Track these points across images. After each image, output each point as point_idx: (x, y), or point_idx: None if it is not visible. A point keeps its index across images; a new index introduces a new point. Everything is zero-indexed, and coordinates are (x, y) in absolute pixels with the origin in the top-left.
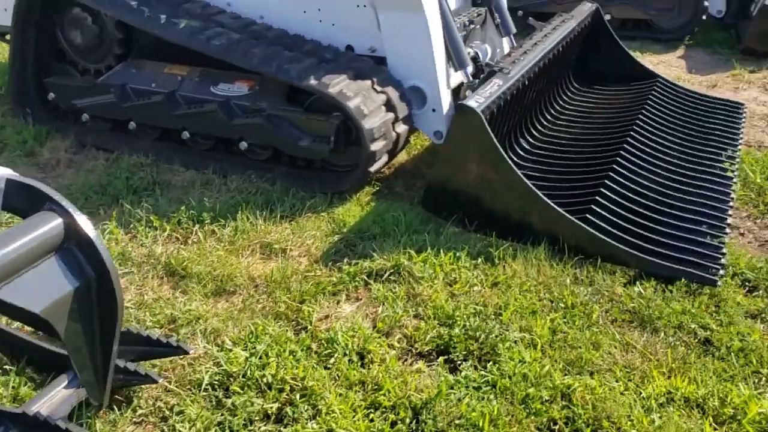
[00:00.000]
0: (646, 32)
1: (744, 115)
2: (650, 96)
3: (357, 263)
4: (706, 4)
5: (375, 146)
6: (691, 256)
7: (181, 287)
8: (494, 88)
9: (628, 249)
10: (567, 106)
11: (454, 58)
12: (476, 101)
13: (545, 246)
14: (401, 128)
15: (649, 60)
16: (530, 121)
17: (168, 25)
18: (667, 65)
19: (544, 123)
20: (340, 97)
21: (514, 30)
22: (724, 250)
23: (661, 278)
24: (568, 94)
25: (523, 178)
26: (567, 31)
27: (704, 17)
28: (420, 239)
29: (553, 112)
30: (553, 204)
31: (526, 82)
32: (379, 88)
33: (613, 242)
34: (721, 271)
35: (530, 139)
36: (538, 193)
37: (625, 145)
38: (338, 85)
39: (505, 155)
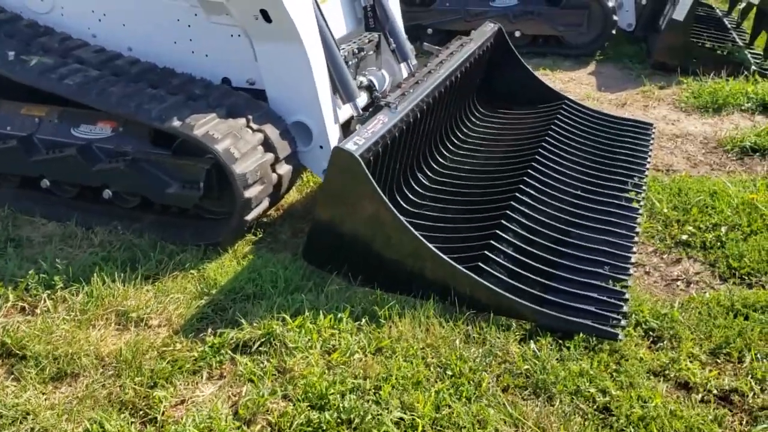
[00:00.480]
0: (557, 48)
1: (653, 136)
2: (555, 121)
3: (224, 333)
4: (615, 18)
5: (250, 192)
6: (590, 305)
7: (16, 372)
8: (378, 126)
9: (523, 301)
10: (470, 133)
11: (341, 90)
12: (355, 143)
13: (435, 301)
14: (284, 169)
15: (560, 78)
16: (429, 154)
17: (15, 63)
18: (578, 83)
19: (445, 154)
20: (206, 140)
21: (411, 55)
22: (626, 296)
23: (558, 333)
24: (472, 120)
25: (408, 227)
26: (465, 56)
27: (614, 32)
28: (298, 299)
29: (455, 141)
30: (440, 253)
31: (419, 115)
32: (255, 126)
33: (506, 294)
34: (623, 322)
35: (430, 173)
36: (425, 242)
37: (525, 178)
38: (204, 126)
39: (388, 202)
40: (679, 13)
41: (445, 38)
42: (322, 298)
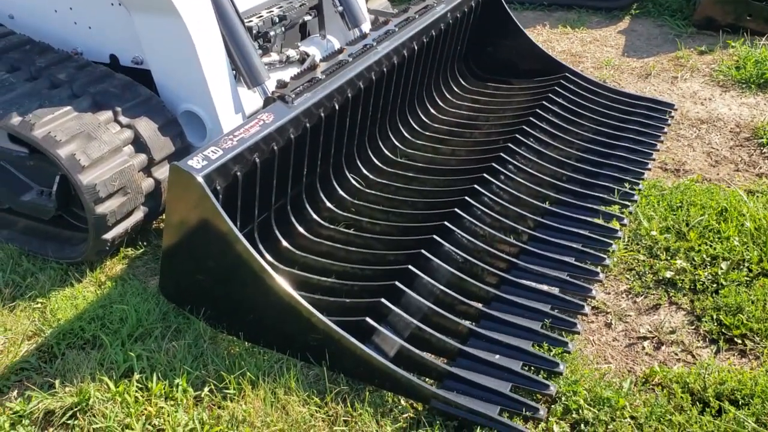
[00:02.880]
0: (587, 0)
1: (668, 122)
2: (543, 102)
3: (34, 397)
4: None
5: (104, 207)
6: (507, 381)
7: None
8: (253, 130)
9: (413, 378)
10: (434, 122)
11: (244, 73)
12: (204, 158)
13: (304, 366)
14: (163, 173)
15: (581, 37)
16: (358, 157)
17: None
18: (601, 44)
19: (386, 154)
20: (46, 143)
21: (365, 19)
22: (560, 368)
23: (454, 422)
24: (441, 103)
25: (271, 276)
26: (427, 23)
27: None
28: (137, 350)
29: (406, 134)
30: (313, 309)
31: (337, 107)
32: (124, 121)
33: (393, 367)
34: (542, 412)
35: (356, 183)
36: (293, 294)
37: (475, 185)
38: (48, 124)
39: (246, 243)
40: None
41: None
42: (168, 350)
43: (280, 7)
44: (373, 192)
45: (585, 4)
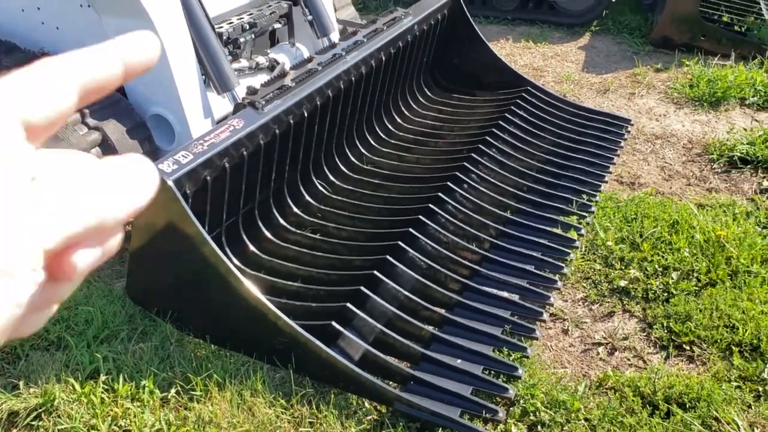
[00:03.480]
0: (549, 15)
1: (625, 137)
2: (505, 114)
3: None
4: None
5: None
6: (468, 384)
7: None
8: (224, 135)
9: (379, 382)
10: (399, 130)
11: (214, 79)
12: (175, 162)
13: (270, 369)
14: None
15: (543, 52)
16: (324, 163)
17: None
18: (562, 59)
19: (352, 161)
20: None
21: (333, 28)
22: (519, 372)
23: (416, 423)
24: (407, 112)
25: (238, 278)
26: (395, 35)
27: None
28: (103, 353)
29: (373, 141)
30: (279, 312)
31: (306, 114)
32: (92, 123)
33: (358, 370)
34: (501, 414)
35: (322, 189)
36: (259, 296)
37: (439, 194)
38: None
39: (214, 246)
40: None
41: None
42: (135, 352)
43: (251, 14)
44: (339, 198)
45: (547, 19)
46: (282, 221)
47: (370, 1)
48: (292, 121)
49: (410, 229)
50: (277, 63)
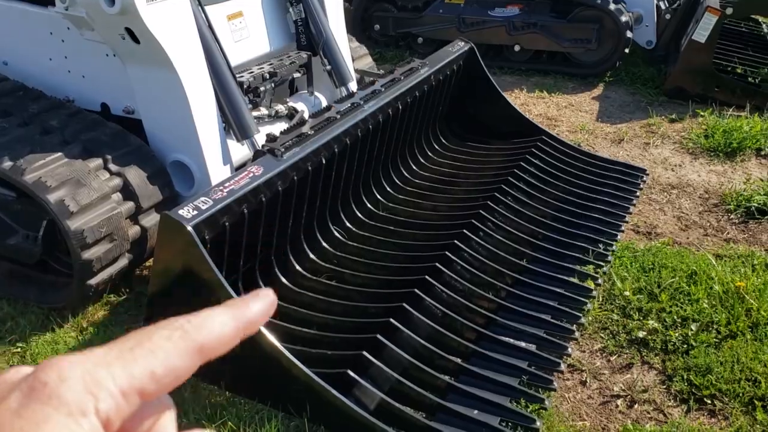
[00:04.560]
0: (562, 66)
1: (641, 186)
2: (521, 163)
3: None
4: (629, 35)
5: (91, 253)
6: None
7: None
8: (243, 181)
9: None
10: (416, 177)
11: (233, 125)
12: (195, 207)
13: (282, 418)
14: (151, 220)
15: (557, 102)
16: (341, 209)
17: None
18: (576, 109)
19: (369, 208)
20: (36, 188)
21: (351, 78)
22: (536, 425)
23: None
24: (423, 160)
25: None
26: (413, 84)
27: (627, 50)
28: None
29: (390, 189)
30: (296, 360)
31: (324, 161)
32: (114, 168)
33: (374, 420)
34: None
35: (341, 236)
36: (276, 344)
37: (455, 241)
38: (39, 169)
39: (233, 295)
40: (700, 33)
41: (436, 50)
42: None
43: (271, 64)
44: (355, 245)
45: (561, 70)
46: (298, 267)
47: (386, 51)
48: (310, 168)
49: (426, 277)
50: (296, 111)
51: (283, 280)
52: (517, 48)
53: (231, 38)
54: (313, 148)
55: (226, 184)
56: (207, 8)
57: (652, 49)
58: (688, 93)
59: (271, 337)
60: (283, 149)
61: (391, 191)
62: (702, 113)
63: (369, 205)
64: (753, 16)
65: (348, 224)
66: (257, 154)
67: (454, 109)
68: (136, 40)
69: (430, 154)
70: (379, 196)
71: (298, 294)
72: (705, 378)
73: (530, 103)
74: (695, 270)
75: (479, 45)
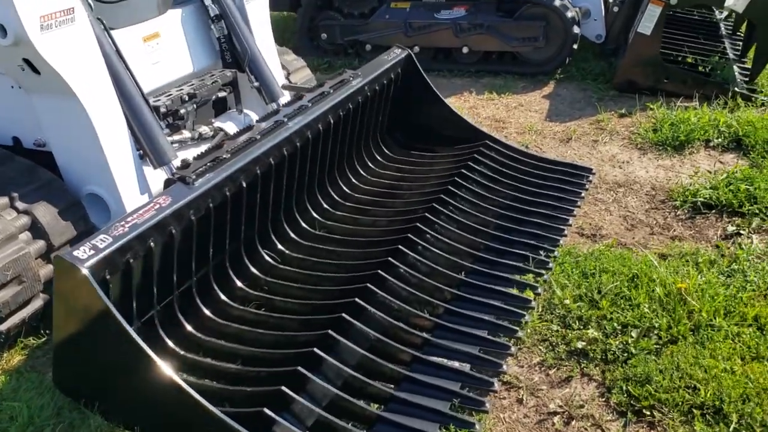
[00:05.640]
0: (513, 66)
1: (586, 187)
2: (462, 170)
3: None
4: (576, 31)
5: None
6: None
7: None
8: (148, 214)
9: None
10: (355, 192)
11: (149, 153)
12: (91, 247)
13: None
14: None
15: (507, 103)
16: (274, 230)
17: None
18: (526, 109)
19: (303, 228)
20: None
21: (282, 94)
22: None
23: None
24: (364, 172)
25: (163, 370)
26: (340, 99)
27: (575, 46)
28: None
29: (326, 206)
30: (204, 402)
31: (245, 184)
32: (21, 206)
33: None
34: None
35: (273, 261)
36: (188, 389)
37: (389, 258)
38: None
39: (136, 338)
40: (645, 25)
41: None
42: None
43: (192, 84)
44: (288, 268)
45: (511, 70)
46: (223, 297)
47: (335, 60)
48: (228, 194)
49: (356, 299)
50: (221, 131)
51: (206, 311)
52: (465, 50)
53: (148, 60)
54: (230, 173)
55: (129, 219)
56: (120, 31)
57: (603, 43)
58: (639, 86)
59: (179, 380)
60: (194, 176)
61: (329, 208)
62: (651, 106)
63: (304, 224)
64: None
65: (280, 247)
66: (167, 183)
67: (396, 117)
68: (36, 70)
69: (371, 166)
70: (315, 214)
71: (223, 326)
72: (644, 388)
73: (479, 106)
74: (637, 273)
75: (428, 49)
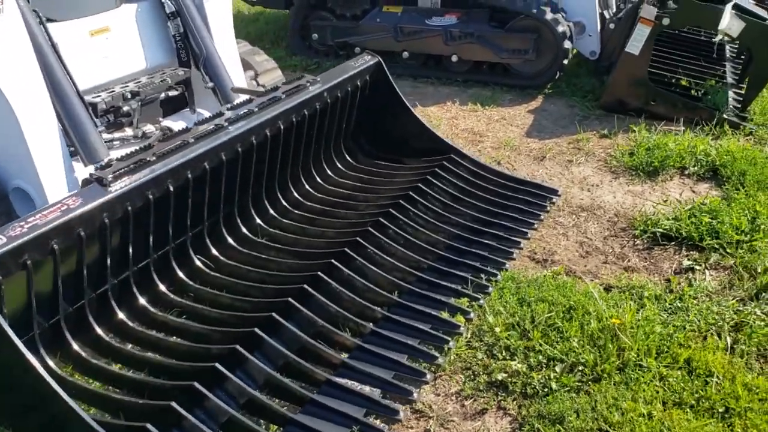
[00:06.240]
0: (502, 78)
1: (547, 209)
2: (418, 184)
3: None
4: (567, 46)
5: None
6: None
7: None
8: (53, 215)
9: None
10: (308, 202)
11: (80, 149)
12: None
13: None
14: None
15: (489, 115)
16: (210, 236)
17: None
18: (507, 123)
19: (244, 234)
20: None
21: (235, 97)
22: None
23: None
24: (319, 182)
25: (49, 383)
26: (292, 105)
27: (566, 61)
28: None
29: (274, 213)
30: (89, 419)
31: (171, 187)
32: None
33: None
34: None
35: (205, 267)
36: (69, 401)
37: (319, 273)
38: None
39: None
40: (634, 45)
41: None
42: None
43: (138, 82)
44: (217, 275)
45: (500, 81)
46: (142, 301)
47: (325, 61)
48: (152, 197)
49: (273, 314)
50: (171, 131)
51: (121, 315)
52: (454, 58)
53: (95, 55)
54: (153, 176)
55: (30, 219)
56: (65, 24)
57: (597, 60)
58: (626, 107)
59: (64, 393)
60: (111, 177)
61: (276, 215)
62: (634, 128)
63: (245, 231)
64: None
65: (215, 252)
66: (84, 183)
67: (363, 126)
68: None
69: (330, 174)
70: (260, 221)
71: (137, 331)
72: (555, 427)
73: (460, 117)
74: (574, 304)
75: (418, 55)
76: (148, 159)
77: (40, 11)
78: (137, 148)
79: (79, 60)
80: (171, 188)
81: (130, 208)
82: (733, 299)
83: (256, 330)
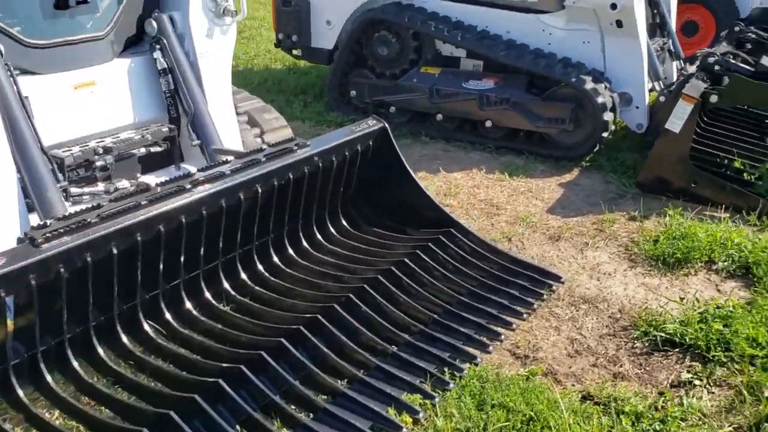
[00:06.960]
0: (538, 147)
1: (543, 297)
2: (404, 260)
3: None
4: (607, 118)
5: None
6: None
7: None
8: None
9: None
10: (289, 269)
11: (36, 204)
12: None
13: None
14: None
15: (515, 186)
16: (167, 304)
17: None
18: (532, 196)
19: (207, 300)
20: None
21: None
22: None
23: None
24: (306, 250)
25: None
26: (273, 168)
27: (605, 134)
28: None
29: (246, 280)
30: None
31: (113, 251)
32: None
33: None
34: None
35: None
36: None
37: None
38: None
39: None
40: (674, 122)
41: (410, 120)
42: None
43: (117, 137)
44: (164, 343)
45: (535, 151)
46: (76, 365)
47: (363, 119)
48: (90, 260)
49: (220, 381)
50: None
51: (49, 379)
52: (488, 124)
53: (76, 109)
54: (91, 238)
55: None
56: (47, 77)
57: (644, 134)
58: (665, 187)
59: None
60: (43, 238)
61: (249, 282)
62: (670, 212)
63: (208, 296)
64: None
65: (169, 319)
66: (18, 241)
67: (365, 191)
68: None
69: (322, 241)
70: (228, 287)
71: (68, 402)
72: None
73: (483, 186)
74: (535, 415)
75: (452, 118)
76: (89, 220)
77: (29, 65)
78: (83, 207)
79: (58, 113)
80: (114, 251)
81: (62, 270)
82: (729, 426)
83: (196, 397)
